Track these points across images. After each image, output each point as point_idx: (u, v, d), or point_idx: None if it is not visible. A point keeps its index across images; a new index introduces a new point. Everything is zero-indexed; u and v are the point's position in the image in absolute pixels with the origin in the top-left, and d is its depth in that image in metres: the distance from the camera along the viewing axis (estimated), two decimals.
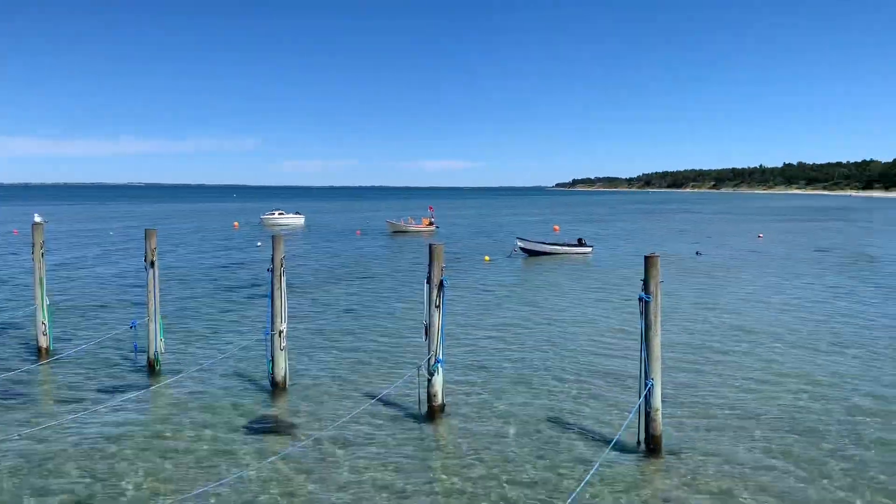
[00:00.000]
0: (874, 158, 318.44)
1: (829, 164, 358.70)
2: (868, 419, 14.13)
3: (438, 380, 14.03)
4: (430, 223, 73.69)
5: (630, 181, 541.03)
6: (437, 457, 12.45)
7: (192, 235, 65.22)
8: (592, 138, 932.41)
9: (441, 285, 13.70)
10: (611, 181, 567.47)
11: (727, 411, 14.62)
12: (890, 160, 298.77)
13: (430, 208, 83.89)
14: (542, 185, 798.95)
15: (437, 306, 13.72)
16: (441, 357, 13.88)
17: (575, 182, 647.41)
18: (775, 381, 16.77)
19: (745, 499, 10.70)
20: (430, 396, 14.08)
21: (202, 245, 54.87)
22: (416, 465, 11.96)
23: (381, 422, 13.97)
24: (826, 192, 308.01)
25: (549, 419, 14.16)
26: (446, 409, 14.38)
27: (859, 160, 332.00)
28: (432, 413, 14.03)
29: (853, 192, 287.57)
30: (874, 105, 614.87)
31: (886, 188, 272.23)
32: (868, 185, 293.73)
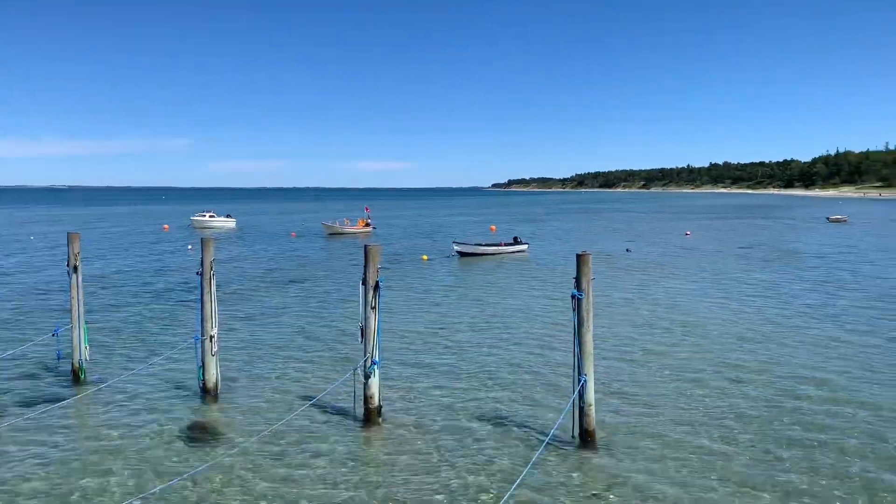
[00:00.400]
0: (794, 158, 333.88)
1: (752, 164, 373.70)
2: (798, 403, 14.73)
3: (375, 381, 13.92)
4: (367, 224, 73.26)
5: (563, 181, 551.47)
6: (375, 457, 12.39)
7: (120, 239, 63.12)
8: (526, 139, 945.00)
9: (377, 286, 13.62)
10: (545, 181, 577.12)
11: (661, 403, 15.00)
12: (809, 160, 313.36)
13: (367, 209, 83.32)
14: (479, 185, 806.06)
15: (373, 307, 13.63)
16: (377, 358, 13.79)
17: (511, 182, 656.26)
18: (709, 372, 17.30)
19: (676, 488, 10.99)
20: (367, 398, 13.97)
21: (130, 249, 53.15)
22: (354, 467, 11.86)
23: (317, 425, 13.80)
24: (750, 191, 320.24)
25: (488, 416, 14.25)
26: (384, 410, 14.30)
27: (781, 160, 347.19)
28: (369, 415, 13.93)
29: (775, 191, 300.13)
30: (794, 107, 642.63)
31: (806, 186, 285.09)
32: (789, 184, 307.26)
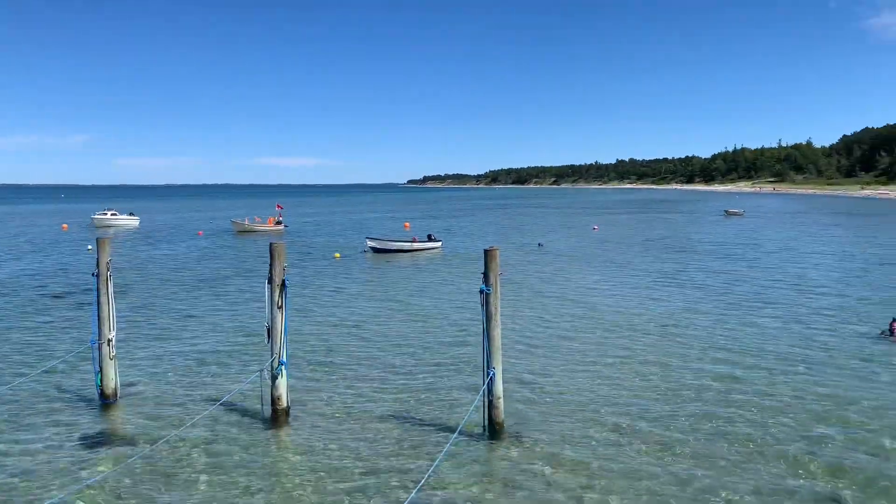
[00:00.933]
0: (695, 155, 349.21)
1: (656, 161, 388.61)
2: (705, 382, 15.39)
3: (282, 382, 13.69)
4: (278, 222, 71.84)
5: (478, 178, 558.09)
6: (284, 458, 12.18)
7: (13, 240, 59.55)
8: (441, 136, 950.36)
9: (283, 285, 13.38)
10: (460, 178, 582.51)
11: (568, 392, 15.37)
12: (709, 157, 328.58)
13: (279, 206, 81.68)
14: (395, 181, 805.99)
15: (280, 307, 13.39)
16: (285, 359, 13.56)
17: (426, 179, 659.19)
18: (616, 361, 17.85)
19: (582, 475, 11.29)
20: (275, 399, 13.72)
21: (26, 250, 50.26)
22: (262, 470, 11.63)
23: (223, 427, 13.45)
24: (655, 186, 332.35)
25: (399, 413, 14.24)
26: (293, 410, 14.08)
27: (683, 157, 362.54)
28: (277, 416, 13.69)
29: (678, 186, 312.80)
30: (695, 106, 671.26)
31: (706, 182, 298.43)
32: (690, 179, 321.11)
